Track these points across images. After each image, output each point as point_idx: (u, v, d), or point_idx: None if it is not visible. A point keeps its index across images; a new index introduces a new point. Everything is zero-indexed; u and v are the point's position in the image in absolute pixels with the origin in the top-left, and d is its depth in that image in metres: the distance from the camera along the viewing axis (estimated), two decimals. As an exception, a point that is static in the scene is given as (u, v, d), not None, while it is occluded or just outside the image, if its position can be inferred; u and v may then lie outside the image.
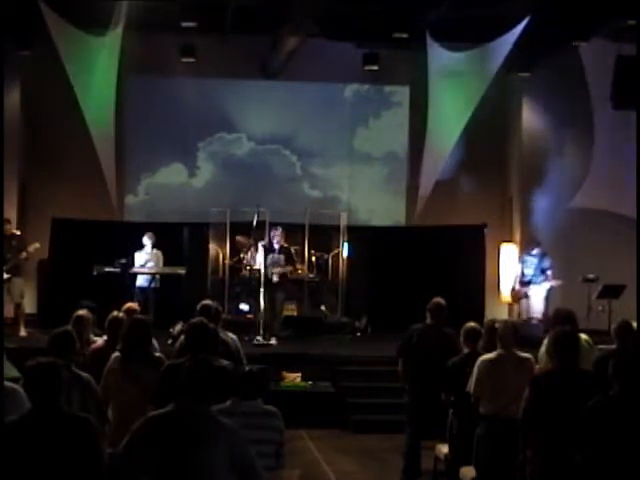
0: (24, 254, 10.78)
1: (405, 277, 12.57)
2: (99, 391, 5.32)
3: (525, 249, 11.75)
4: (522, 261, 11.55)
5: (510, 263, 12.69)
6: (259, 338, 10.58)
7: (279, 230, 11.04)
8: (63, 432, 3.72)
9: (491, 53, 11.50)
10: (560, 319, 6.36)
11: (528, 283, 11.36)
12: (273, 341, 10.66)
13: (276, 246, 11.01)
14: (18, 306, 10.87)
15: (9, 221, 10.90)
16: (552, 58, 12.52)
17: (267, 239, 11.07)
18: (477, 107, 11.76)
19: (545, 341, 6.27)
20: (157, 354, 5.86)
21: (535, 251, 11.49)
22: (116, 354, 5.67)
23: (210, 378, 3.85)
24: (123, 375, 5.45)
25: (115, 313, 6.57)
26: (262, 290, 10.74)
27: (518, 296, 11.47)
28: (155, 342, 6.70)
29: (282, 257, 10.97)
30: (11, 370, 5.47)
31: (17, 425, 3.73)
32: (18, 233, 11.06)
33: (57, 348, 5.06)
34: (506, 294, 12.34)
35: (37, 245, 11.02)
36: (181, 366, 5.22)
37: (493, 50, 11.45)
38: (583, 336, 6.61)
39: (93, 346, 6.35)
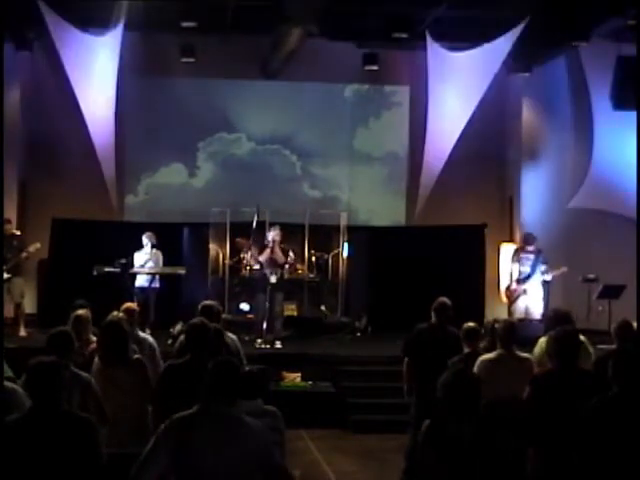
0: (25, 254, 10.79)
1: (405, 277, 12.56)
2: (99, 391, 5.32)
3: (522, 246, 11.72)
4: (518, 259, 11.55)
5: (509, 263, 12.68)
6: (259, 341, 10.56)
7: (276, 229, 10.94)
8: (63, 431, 3.72)
9: (491, 53, 11.49)
10: (558, 320, 6.37)
11: (525, 279, 11.36)
12: (278, 344, 10.63)
13: (271, 244, 10.85)
14: (18, 306, 10.88)
15: (9, 221, 10.93)
16: (552, 58, 12.53)
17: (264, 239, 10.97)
18: (477, 107, 11.75)
19: (540, 340, 6.28)
20: (136, 356, 5.83)
21: (531, 247, 11.48)
22: (97, 357, 5.68)
23: (236, 379, 3.86)
24: (104, 379, 5.45)
25: (115, 313, 6.57)
26: (264, 293, 10.71)
27: (515, 295, 11.46)
28: (154, 342, 6.71)
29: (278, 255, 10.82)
30: (6, 371, 5.47)
31: (18, 424, 3.74)
32: (18, 233, 11.08)
33: (55, 348, 5.06)
34: (502, 293, 12.31)
35: (38, 245, 11.03)
36: (181, 366, 5.25)
37: (493, 50, 11.45)
38: (581, 337, 6.62)
39: (93, 346, 6.35)
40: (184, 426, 3.74)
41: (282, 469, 3.87)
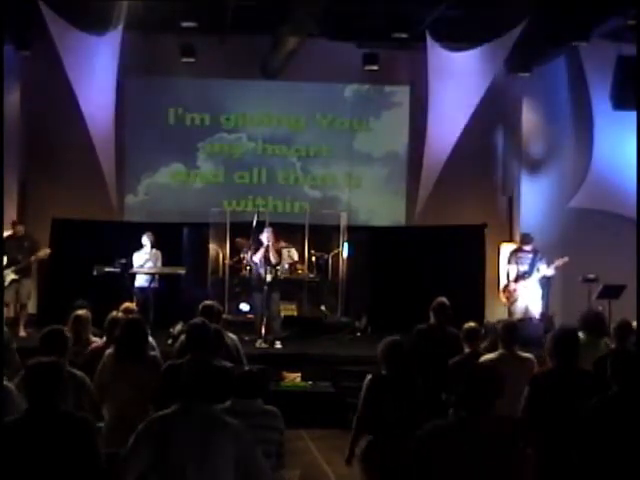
0: (33, 258, 10.86)
1: (405, 277, 12.57)
2: (93, 390, 5.32)
3: (519, 247, 11.74)
4: (516, 260, 11.55)
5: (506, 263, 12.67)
6: (259, 341, 10.57)
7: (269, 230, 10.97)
8: (61, 432, 3.72)
9: (491, 53, 11.50)
10: (589, 321, 6.45)
11: (524, 276, 11.37)
12: (278, 344, 10.64)
13: (265, 244, 10.86)
14: (22, 307, 10.93)
15: (19, 223, 11.04)
16: (552, 58, 12.52)
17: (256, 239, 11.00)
18: (477, 107, 11.76)
19: None
20: (153, 353, 5.85)
21: (529, 248, 11.49)
22: (109, 352, 5.66)
23: (212, 378, 3.85)
24: (117, 374, 5.44)
25: (114, 313, 6.58)
26: (260, 292, 10.72)
27: (514, 295, 11.45)
28: (154, 342, 6.72)
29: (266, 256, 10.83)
30: None
31: (15, 425, 3.73)
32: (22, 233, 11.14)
33: (49, 347, 5.06)
34: (500, 294, 12.29)
35: (48, 251, 11.15)
36: (181, 366, 5.25)
37: (493, 50, 11.45)
38: (606, 339, 6.62)
39: (93, 346, 6.35)
40: (164, 425, 3.75)
41: (263, 469, 3.86)
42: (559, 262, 11.27)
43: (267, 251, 10.70)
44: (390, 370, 5.51)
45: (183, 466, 3.64)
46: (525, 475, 3.73)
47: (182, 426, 3.71)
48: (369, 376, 5.61)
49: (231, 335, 6.72)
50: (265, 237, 10.77)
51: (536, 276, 11.35)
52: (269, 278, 10.67)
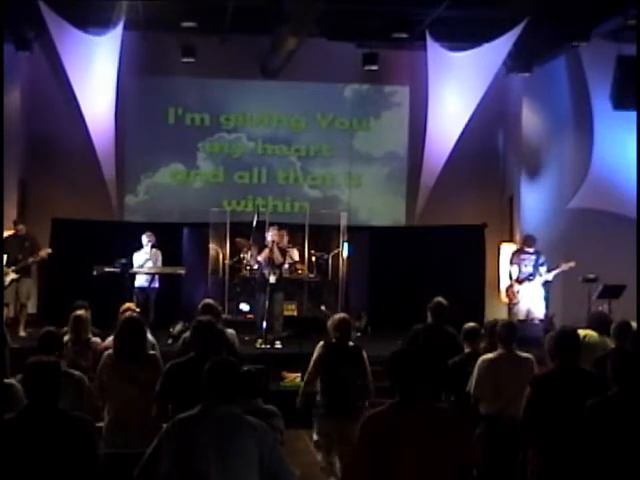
0: (32, 259, 10.86)
1: (405, 277, 12.58)
2: (92, 389, 5.31)
3: (521, 248, 11.75)
4: (518, 261, 11.56)
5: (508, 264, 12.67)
6: (259, 341, 10.57)
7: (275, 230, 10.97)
8: (58, 430, 3.71)
9: (491, 53, 11.50)
10: (598, 320, 6.47)
11: (528, 278, 11.38)
12: (278, 344, 10.64)
13: (270, 245, 10.85)
14: (22, 306, 10.93)
15: (18, 222, 11.03)
16: (552, 58, 12.52)
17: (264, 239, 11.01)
18: (477, 107, 11.76)
19: None
20: (152, 352, 5.84)
21: (531, 250, 11.50)
22: (108, 352, 5.65)
23: (236, 378, 3.86)
24: (117, 374, 5.42)
25: (129, 313, 6.59)
26: (263, 293, 10.70)
27: (518, 296, 11.45)
28: (154, 341, 6.72)
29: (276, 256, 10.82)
30: None
31: (13, 423, 3.73)
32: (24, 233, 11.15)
33: (45, 348, 5.07)
34: (503, 294, 12.30)
35: (49, 250, 11.14)
36: (184, 365, 5.24)
37: (493, 50, 11.45)
38: (608, 340, 6.62)
39: (103, 345, 6.36)
40: (186, 427, 3.73)
41: (287, 468, 3.86)
42: (565, 267, 11.26)
43: (271, 251, 10.67)
44: (338, 339, 6.37)
45: (206, 468, 3.63)
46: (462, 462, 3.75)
47: (204, 427, 3.70)
48: (321, 342, 6.48)
49: (230, 330, 6.77)
50: (270, 236, 10.75)
51: (539, 279, 11.36)
52: (272, 279, 10.63)
